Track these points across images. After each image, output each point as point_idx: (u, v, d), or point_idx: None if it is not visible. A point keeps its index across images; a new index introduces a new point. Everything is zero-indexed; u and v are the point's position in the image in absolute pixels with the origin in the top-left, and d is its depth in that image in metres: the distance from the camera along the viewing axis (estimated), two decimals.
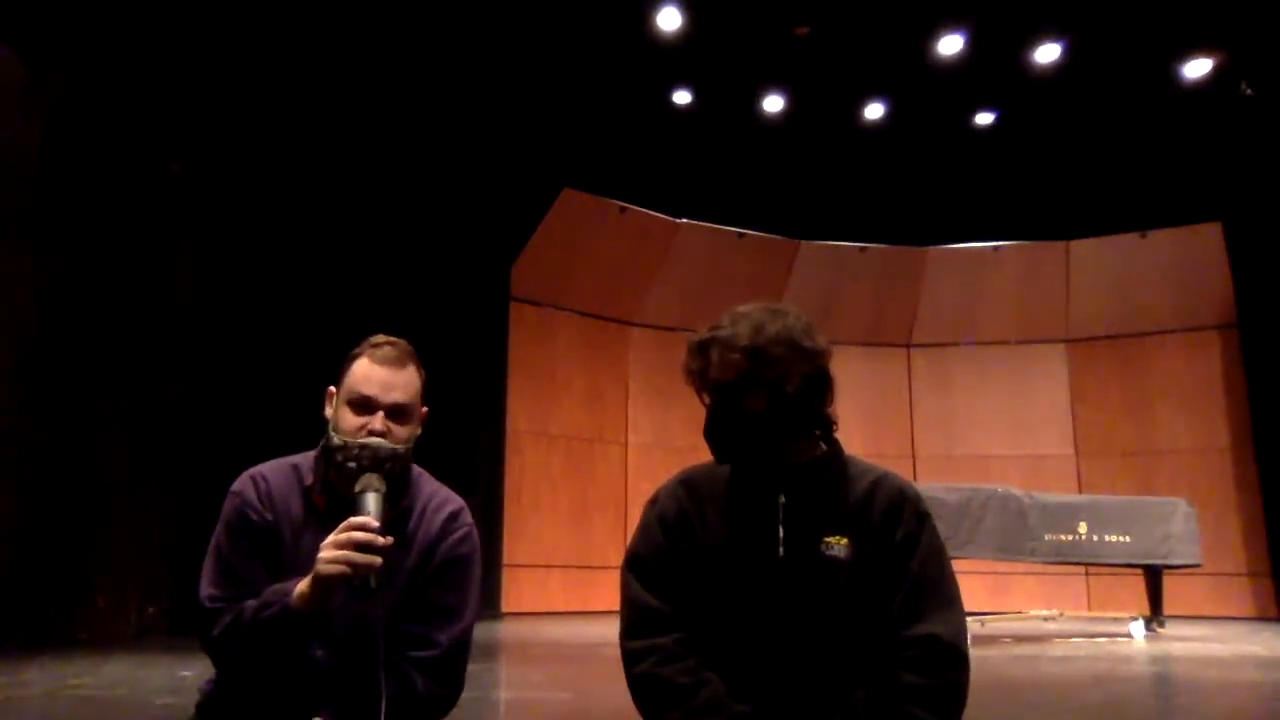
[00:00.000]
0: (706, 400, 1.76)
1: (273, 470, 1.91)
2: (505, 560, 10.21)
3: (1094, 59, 9.57)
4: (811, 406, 1.73)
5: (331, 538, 1.68)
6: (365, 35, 8.56)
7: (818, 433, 1.79)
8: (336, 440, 1.81)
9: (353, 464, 1.78)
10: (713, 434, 1.77)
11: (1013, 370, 12.46)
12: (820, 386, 1.73)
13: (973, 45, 9.47)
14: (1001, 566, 9.27)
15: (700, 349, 1.75)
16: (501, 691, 4.45)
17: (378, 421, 1.81)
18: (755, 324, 1.70)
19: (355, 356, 1.87)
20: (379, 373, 1.83)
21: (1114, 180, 11.15)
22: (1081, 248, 11.84)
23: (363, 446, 1.78)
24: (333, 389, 1.90)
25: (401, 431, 1.84)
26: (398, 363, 1.85)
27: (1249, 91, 9.73)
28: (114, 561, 6.87)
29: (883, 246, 12.11)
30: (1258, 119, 10.01)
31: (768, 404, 1.69)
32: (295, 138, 8.46)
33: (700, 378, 1.75)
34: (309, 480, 1.88)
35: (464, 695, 1.91)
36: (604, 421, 11.66)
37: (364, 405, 1.82)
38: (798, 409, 1.72)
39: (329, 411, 1.89)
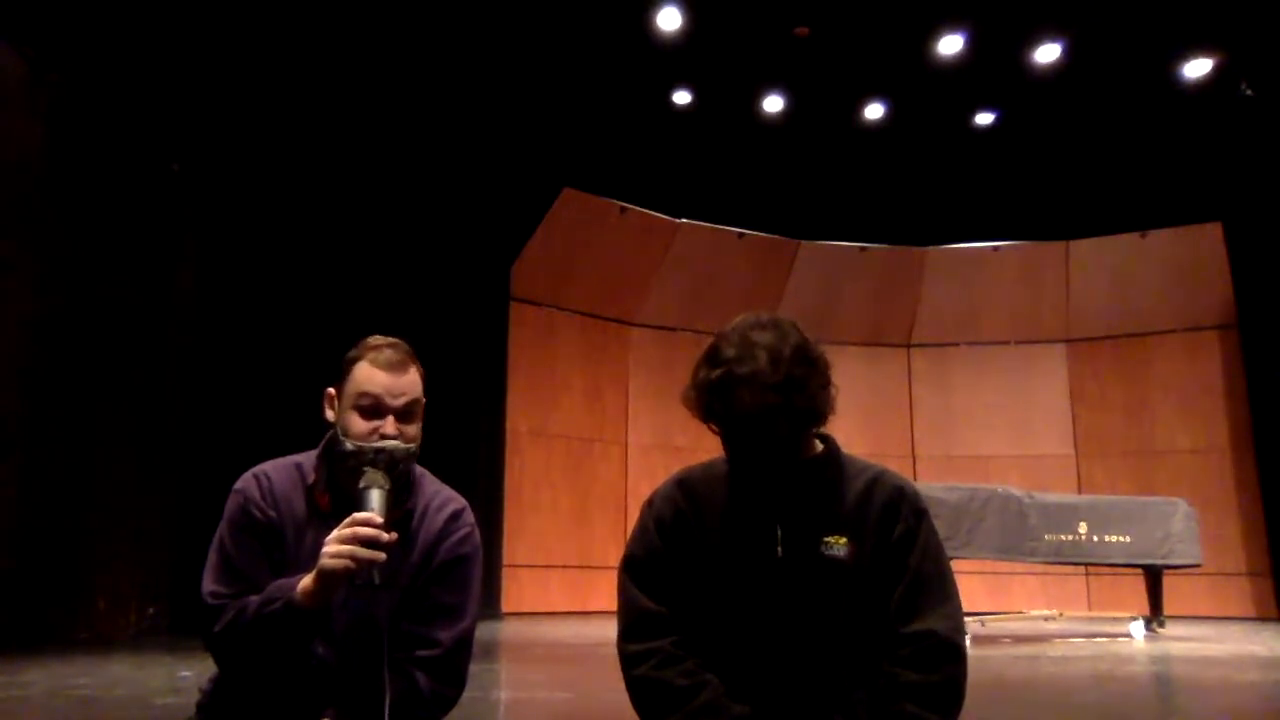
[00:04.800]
0: (716, 428, 1.71)
1: (275, 469, 1.91)
2: (505, 560, 10.21)
3: (1094, 59, 9.57)
4: (824, 415, 1.73)
5: (335, 533, 1.68)
6: (365, 35, 8.56)
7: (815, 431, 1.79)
8: (349, 446, 1.80)
9: (369, 468, 1.78)
10: (741, 458, 1.73)
11: (1013, 370, 12.46)
12: (829, 393, 1.72)
13: (973, 45, 9.46)
14: (1001, 566, 9.27)
15: (720, 389, 1.65)
16: (501, 691, 4.45)
17: (389, 425, 1.81)
18: (771, 350, 1.63)
19: (355, 360, 1.86)
20: (384, 378, 1.83)
21: (1114, 180, 11.15)
22: (1081, 248, 11.84)
23: (378, 450, 1.79)
24: (331, 391, 1.89)
25: (411, 430, 1.85)
26: (401, 366, 1.85)
27: (1249, 91, 9.73)
28: (114, 561, 6.87)
29: (882, 246, 12.11)
30: (1258, 119, 10.01)
31: (792, 427, 1.68)
32: (296, 138, 8.46)
33: (719, 414, 1.68)
34: (312, 479, 1.89)
35: (464, 695, 1.91)
36: (604, 421, 11.65)
37: (373, 410, 1.82)
38: (817, 422, 1.72)
39: (331, 415, 1.89)
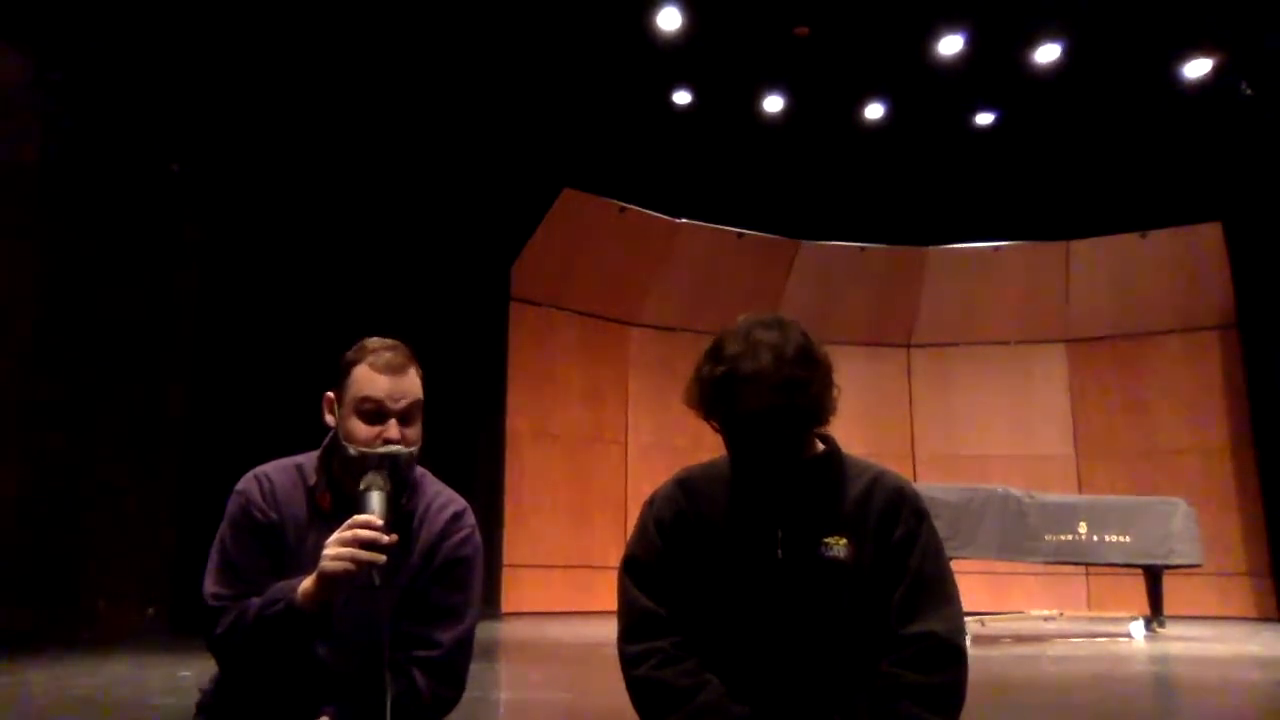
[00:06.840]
0: (717, 426, 1.71)
1: (277, 470, 1.91)
2: (505, 560, 10.21)
3: (1094, 59, 9.57)
4: (826, 416, 1.72)
5: (336, 535, 1.68)
6: (365, 35, 8.56)
7: (816, 431, 1.79)
8: (353, 451, 1.80)
9: (370, 470, 1.78)
10: (743, 457, 1.73)
11: (1013, 370, 12.46)
12: (832, 394, 1.72)
13: (973, 45, 9.46)
14: (1001, 566, 9.26)
15: (722, 386, 1.64)
16: (501, 691, 4.45)
17: (393, 430, 1.81)
18: (774, 350, 1.62)
19: (354, 363, 1.84)
20: (385, 382, 1.81)
21: (1114, 180, 11.15)
22: (1081, 248, 11.84)
23: (382, 456, 1.78)
24: (330, 395, 1.88)
25: (412, 433, 1.84)
26: (401, 368, 1.84)
27: (1249, 91, 9.73)
28: (114, 561, 6.87)
29: (883, 246, 12.11)
30: (1258, 119, 10.01)
31: (793, 427, 1.68)
32: (296, 138, 8.46)
33: (721, 412, 1.67)
34: (313, 480, 1.89)
35: (464, 695, 1.91)
36: (604, 421, 11.65)
37: (375, 415, 1.81)
38: (819, 423, 1.72)
39: (331, 419, 1.88)
